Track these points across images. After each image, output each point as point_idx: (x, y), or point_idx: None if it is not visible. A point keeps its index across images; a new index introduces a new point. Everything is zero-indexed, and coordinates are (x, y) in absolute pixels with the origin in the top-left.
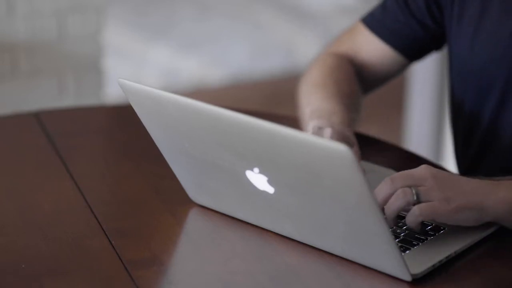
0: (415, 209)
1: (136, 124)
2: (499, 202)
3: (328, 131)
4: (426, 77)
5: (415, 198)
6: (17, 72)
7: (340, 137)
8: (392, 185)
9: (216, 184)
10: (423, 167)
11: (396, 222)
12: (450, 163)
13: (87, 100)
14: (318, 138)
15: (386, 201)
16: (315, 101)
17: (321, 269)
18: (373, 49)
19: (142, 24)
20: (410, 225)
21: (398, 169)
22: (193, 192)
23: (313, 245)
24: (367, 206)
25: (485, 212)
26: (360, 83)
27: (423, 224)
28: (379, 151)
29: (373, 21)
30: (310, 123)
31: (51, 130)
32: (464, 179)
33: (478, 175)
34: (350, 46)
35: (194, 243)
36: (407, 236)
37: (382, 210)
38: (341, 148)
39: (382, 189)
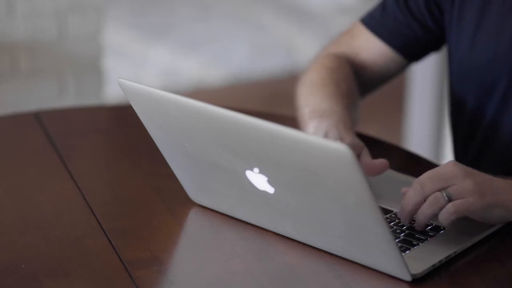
0: (449, 206)
1: (136, 124)
2: None
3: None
4: (426, 77)
5: (446, 200)
6: (17, 72)
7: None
8: (422, 191)
9: (216, 184)
10: (450, 164)
11: (425, 227)
12: None
13: (87, 100)
14: (318, 138)
15: (417, 209)
16: (314, 101)
17: (321, 269)
18: (372, 49)
19: (142, 24)
20: (443, 223)
21: (398, 169)
22: (193, 192)
23: (313, 245)
24: (367, 206)
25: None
26: (359, 84)
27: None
28: (379, 151)
29: (372, 22)
30: (311, 123)
31: (51, 130)
32: (491, 176)
33: None
34: (349, 46)
35: (194, 243)
36: (407, 236)
37: (413, 219)
38: (341, 148)
39: (412, 197)
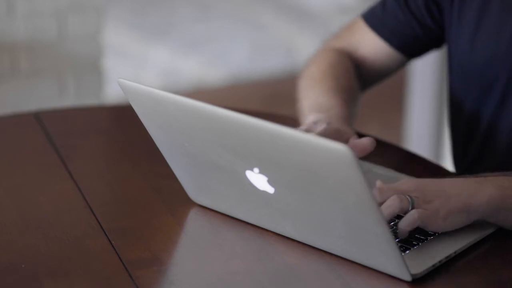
0: (414, 212)
1: (136, 124)
2: (484, 201)
3: (321, 127)
4: (426, 77)
5: (410, 208)
6: (17, 72)
7: (334, 133)
8: (381, 195)
9: (216, 184)
10: (405, 180)
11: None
12: (449, 163)
13: (87, 100)
14: (318, 138)
15: None
16: (313, 95)
17: (321, 269)
18: (372, 46)
19: (142, 24)
20: (404, 228)
21: (398, 169)
22: (193, 192)
23: (313, 245)
24: (367, 206)
25: (473, 213)
26: (359, 79)
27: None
28: (379, 151)
29: (373, 18)
30: (309, 118)
31: (51, 130)
32: (447, 182)
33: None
34: (349, 41)
35: (194, 243)
36: (407, 236)
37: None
38: (341, 148)
39: None
